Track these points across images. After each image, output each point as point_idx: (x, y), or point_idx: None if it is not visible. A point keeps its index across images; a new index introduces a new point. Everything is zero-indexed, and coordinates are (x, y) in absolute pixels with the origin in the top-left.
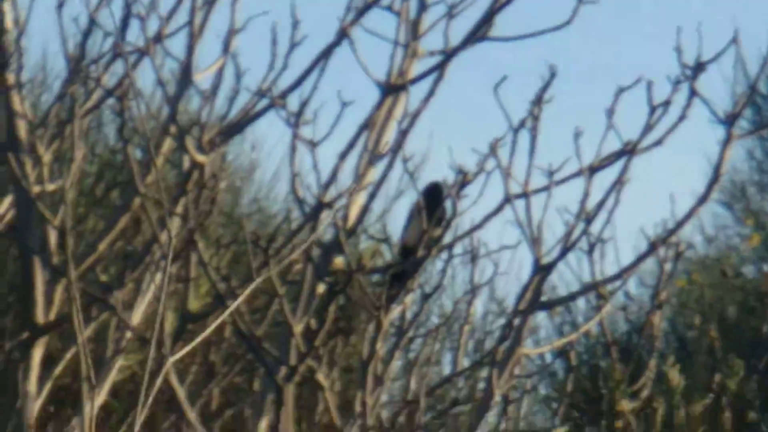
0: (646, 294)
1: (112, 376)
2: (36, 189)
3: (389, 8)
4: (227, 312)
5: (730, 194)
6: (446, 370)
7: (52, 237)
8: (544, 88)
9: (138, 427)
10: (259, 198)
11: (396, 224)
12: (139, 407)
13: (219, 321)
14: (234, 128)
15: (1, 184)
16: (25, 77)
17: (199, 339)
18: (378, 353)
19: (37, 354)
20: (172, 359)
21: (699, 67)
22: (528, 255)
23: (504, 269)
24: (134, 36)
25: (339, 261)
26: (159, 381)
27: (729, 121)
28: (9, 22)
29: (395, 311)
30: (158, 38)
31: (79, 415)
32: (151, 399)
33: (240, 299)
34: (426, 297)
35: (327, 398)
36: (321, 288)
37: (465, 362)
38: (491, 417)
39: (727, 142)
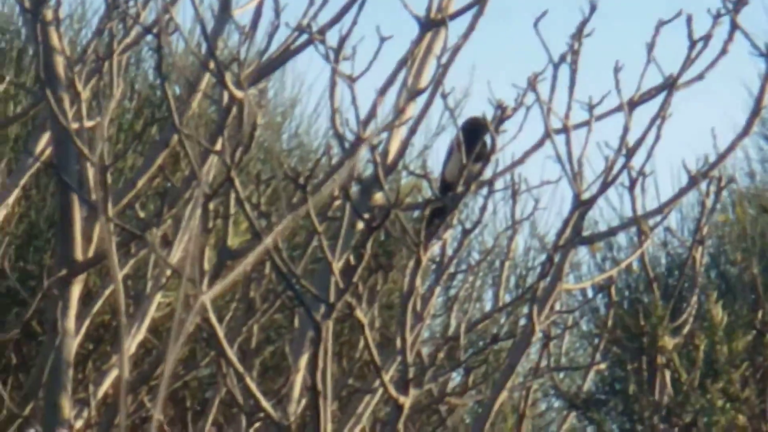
0: (688, 229)
1: (151, 313)
2: (74, 125)
3: None
4: (261, 246)
5: None
6: (487, 306)
7: (91, 174)
8: (584, 22)
9: (171, 362)
10: (299, 134)
11: (436, 160)
12: (171, 342)
13: (254, 255)
14: (273, 64)
15: (40, 121)
16: (63, 13)
17: (232, 275)
18: (418, 289)
19: (76, 291)
20: (205, 296)
21: (740, 1)
22: (568, 190)
23: (545, 204)
24: None
25: (378, 197)
26: (191, 318)
27: None
28: None
29: (435, 247)
30: None
31: (118, 352)
32: (187, 336)
33: (274, 233)
34: (466, 233)
35: (366, 335)
36: (360, 224)
37: (506, 298)
38: (532, 353)
39: (767, 75)
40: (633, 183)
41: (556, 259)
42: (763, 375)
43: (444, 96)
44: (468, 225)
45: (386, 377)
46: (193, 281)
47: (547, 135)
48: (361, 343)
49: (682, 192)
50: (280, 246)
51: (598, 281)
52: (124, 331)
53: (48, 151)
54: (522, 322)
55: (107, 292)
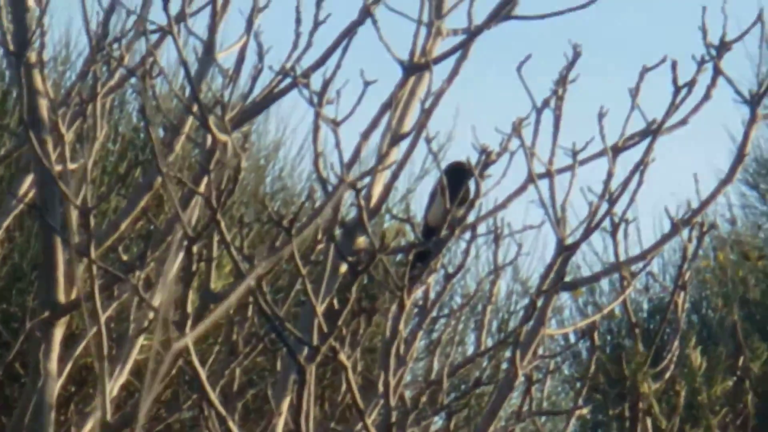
0: (669, 274)
1: (134, 356)
2: (58, 168)
3: None
4: (243, 286)
5: (756, 173)
6: (469, 350)
7: (74, 216)
8: (569, 67)
9: (147, 403)
10: (283, 177)
11: (419, 204)
12: (146, 385)
13: (236, 295)
14: (257, 107)
15: (24, 163)
16: (47, 56)
17: (213, 316)
18: (401, 333)
19: (58, 333)
20: (185, 338)
21: (723, 47)
22: (551, 235)
23: (527, 249)
24: (157, 14)
25: (362, 241)
26: (168, 360)
27: (753, 100)
28: (31, 0)
29: (418, 291)
30: (181, 16)
31: (100, 394)
32: (169, 378)
33: (255, 273)
34: (449, 277)
35: (349, 379)
36: (343, 268)
37: (488, 342)
38: (514, 397)
39: (751, 122)
40: (616, 228)
41: (539, 303)
42: (743, 421)
43: (428, 140)
44: (451, 269)
45: (369, 421)
46: (176, 324)
47: (531, 180)
48: (344, 387)
49: (665, 239)
50: (263, 288)
51: (580, 326)
52: (105, 373)
53: (31, 193)
54: (504, 366)
55: (90, 334)
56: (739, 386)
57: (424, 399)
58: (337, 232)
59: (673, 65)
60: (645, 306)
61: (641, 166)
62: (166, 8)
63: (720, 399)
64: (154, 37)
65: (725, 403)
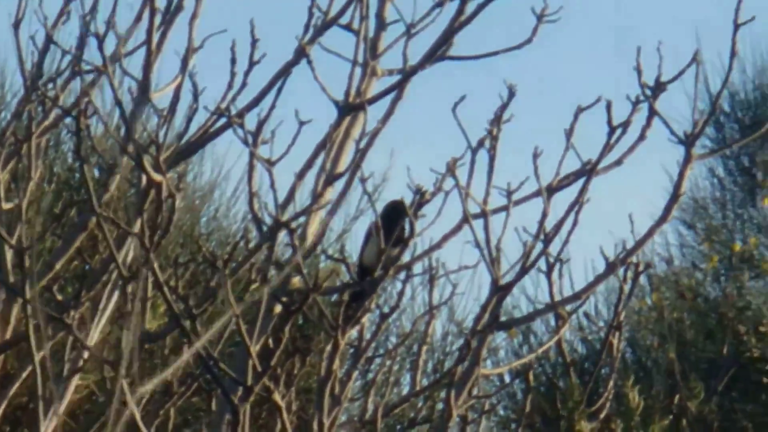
0: (604, 315)
1: (69, 396)
2: None
3: (348, 27)
4: (192, 349)
5: (692, 212)
6: (404, 390)
7: (9, 256)
8: (503, 107)
9: None
10: (218, 217)
11: (354, 244)
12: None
13: (188, 355)
14: (192, 147)
15: None
16: None
17: (180, 361)
18: (335, 373)
19: None
20: (153, 383)
21: (659, 87)
22: (486, 275)
23: (462, 289)
24: (92, 54)
25: (296, 281)
26: (134, 400)
27: (688, 141)
28: None
29: (353, 331)
30: (116, 57)
31: None
32: (104, 419)
33: (208, 334)
34: (384, 317)
35: (284, 419)
36: (278, 308)
37: (423, 382)
38: None
39: (686, 162)
40: (550, 268)
41: (474, 343)
42: None
43: (362, 180)
44: (386, 309)
45: None
46: (111, 364)
47: (465, 220)
48: (279, 427)
49: (600, 279)
50: (198, 329)
51: (515, 366)
52: (41, 413)
53: None
54: (439, 406)
55: (24, 374)
56: (675, 425)
57: None
58: (272, 272)
59: (608, 105)
60: (579, 346)
61: (576, 206)
62: (100, 48)
63: None
64: (89, 77)
65: None
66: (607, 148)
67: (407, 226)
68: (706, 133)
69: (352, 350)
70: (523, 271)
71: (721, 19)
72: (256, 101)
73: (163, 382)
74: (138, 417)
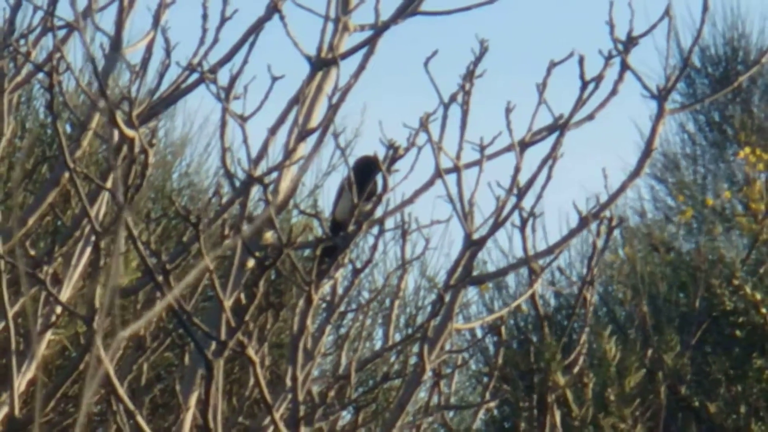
0: (577, 269)
1: (41, 351)
2: None
3: None
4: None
5: (663, 167)
6: (377, 345)
7: None
8: (475, 62)
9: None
10: (190, 173)
11: (327, 199)
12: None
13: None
14: (164, 103)
15: None
16: None
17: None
18: (308, 328)
19: None
20: (132, 327)
21: (631, 42)
22: (459, 230)
23: (435, 244)
24: (64, 10)
25: (269, 236)
26: (114, 346)
27: (661, 95)
28: None
29: (326, 286)
30: (88, 12)
31: (7, 389)
32: (76, 373)
33: (182, 284)
34: (357, 272)
35: (257, 373)
36: (251, 263)
37: (396, 337)
38: (422, 392)
39: (658, 116)
40: (524, 223)
41: (447, 298)
42: (655, 413)
43: (335, 135)
44: (359, 264)
45: (277, 415)
46: (84, 319)
47: (438, 175)
48: (252, 381)
49: (573, 233)
50: (171, 283)
51: (487, 321)
52: (14, 368)
53: None
54: (412, 361)
55: None
56: (650, 379)
57: (332, 394)
58: (245, 227)
59: (580, 60)
60: (552, 301)
61: (549, 160)
62: (73, 4)
63: (633, 390)
64: (61, 33)
65: (637, 395)
66: (580, 102)
67: (380, 181)
68: (677, 89)
69: (324, 305)
70: (496, 225)
71: None
72: (228, 57)
73: (136, 336)
74: (111, 371)
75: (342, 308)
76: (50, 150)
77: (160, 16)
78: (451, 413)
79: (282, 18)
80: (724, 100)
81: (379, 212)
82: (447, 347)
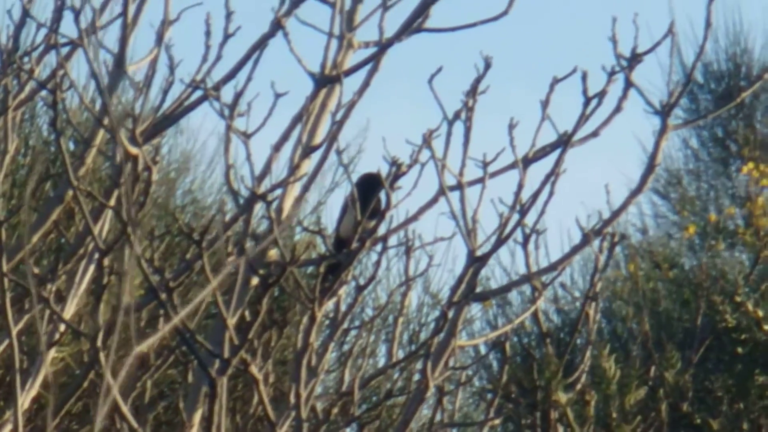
0: (579, 286)
1: (45, 369)
2: None
3: None
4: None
5: (666, 182)
6: (381, 362)
7: None
8: (479, 79)
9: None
10: (193, 190)
11: (330, 216)
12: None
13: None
14: (167, 120)
15: None
16: None
17: (155, 337)
18: (312, 345)
19: None
20: (146, 343)
21: (634, 58)
22: (462, 246)
23: (438, 261)
24: (68, 27)
25: (273, 253)
26: (129, 363)
27: (664, 111)
28: None
29: (329, 303)
30: (92, 30)
31: (11, 407)
32: (81, 391)
33: (189, 307)
34: (360, 289)
35: (261, 391)
36: (255, 280)
37: (400, 354)
38: (426, 409)
39: (662, 132)
40: (527, 239)
41: (450, 315)
42: (657, 431)
43: (338, 152)
44: (362, 281)
45: None
46: (88, 337)
47: (442, 192)
48: (256, 399)
49: (576, 249)
50: (174, 301)
51: (491, 338)
52: (18, 386)
53: None
54: (416, 377)
55: (1, 347)
56: (651, 396)
57: (335, 411)
58: (248, 244)
59: (584, 76)
60: (555, 317)
61: (552, 177)
62: (77, 21)
63: (633, 408)
64: (64, 50)
65: (638, 412)
66: (583, 118)
67: (383, 198)
68: (680, 104)
69: (328, 322)
70: (499, 242)
71: None
72: (232, 74)
73: (139, 353)
74: (115, 389)
75: (345, 325)
76: (54, 167)
77: (163, 34)
78: (455, 430)
79: (286, 35)
80: (727, 115)
81: (382, 229)
82: (450, 364)
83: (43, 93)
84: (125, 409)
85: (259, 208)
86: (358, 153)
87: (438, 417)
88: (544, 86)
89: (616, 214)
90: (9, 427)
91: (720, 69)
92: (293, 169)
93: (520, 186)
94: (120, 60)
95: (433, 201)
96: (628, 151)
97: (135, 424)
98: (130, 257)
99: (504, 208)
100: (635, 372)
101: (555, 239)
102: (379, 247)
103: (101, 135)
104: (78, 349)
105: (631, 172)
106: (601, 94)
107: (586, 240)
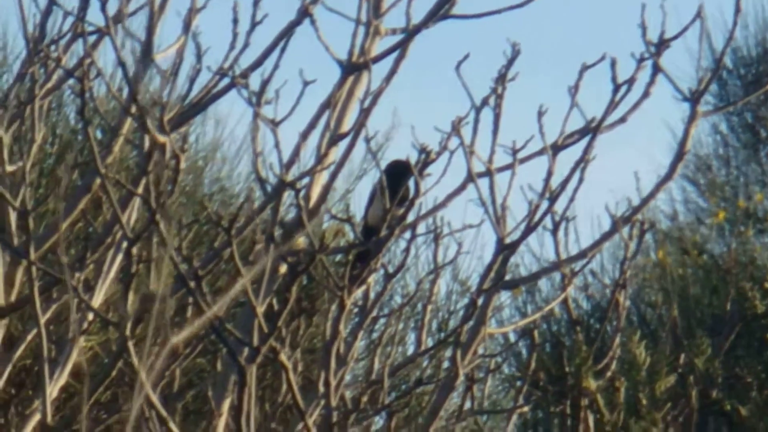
0: (608, 272)
1: (74, 358)
2: None
3: None
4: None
5: (695, 168)
6: (410, 349)
7: (13, 218)
8: (507, 65)
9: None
10: (221, 178)
11: (359, 204)
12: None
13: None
14: (195, 108)
15: None
16: None
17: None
18: (341, 333)
19: None
20: (181, 335)
21: (663, 44)
22: (491, 234)
23: (467, 248)
24: (95, 16)
25: (301, 241)
26: (162, 360)
27: (693, 98)
28: None
29: (358, 291)
30: (118, 18)
31: (40, 396)
32: (109, 380)
33: (221, 302)
34: (389, 277)
35: (290, 379)
36: (283, 268)
37: (429, 342)
38: (455, 397)
39: (691, 119)
40: (557, 227)
41: (480, 302)
42: (686, 417)
43: (367, 140)
44: (391, 269)
45: (310, 421)
46: (116, 325)
47: (470, 178)
48: (285, 387)
49: (606, 237)
50: (203, 288)
51: (520, 325)
52: (46, 375)
53: None
54: (445, 365)
55: (29, 336)
56: (681, 382)
57: (365, 399)
58: (277, 232)
59: (613, 63)
60: (584, 304)
61: (582, 164)
62: (103, 9)
63: (663, 395)
64: (91, 39)
65: (668, 399)
66: (612, 105)
67: (412, 186)
68: (709, 90)
69: (357, 310)
70: (529, 229)
71: None
72: (259, 61)
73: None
74: (144, 378)
75: (374, 313)
76: (81, 156)
77: (190, 21)
78: (484, 418)
79: (313, 22)
80: (757, 101)
81: (411, 217)
82: (480, 351)
83: (71, 81)
84: (154, 398)
85: (287, 195)
86: (386, 140)
87: (467, 404)
88: (573, 73)
89: (645, 201)
90: (37, 416)
91: (750, 54)
92: (321, 157)
93: (550, 173)
94: (147, 48)
95: (462, 188)
96: (657, 138)
97: (164, 413)
98: (159, 245)
99: (533, 195)
100: (665, 359)
101: (584, 226)
102: (407, 235)
103: (128, 123)
104: (106, 338)
105: (660, 158)
106: (630, 81)
107: (615, 227)
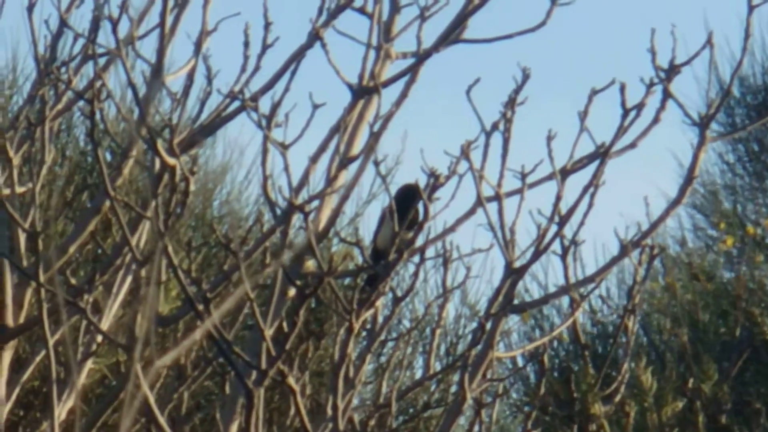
0: (615, 297)
1: (82, 380)
2: (5, 191)
3: (361, 10)
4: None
5: (702, 197)
6: (418, 373)
7: (22, 240)
8: (517, 90)
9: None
10: (231, 200)
11: (368, 227)
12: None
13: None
14: (205, 130)
15: None
16: None
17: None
18: (349, 357)
19: (6, 357)
20: (168, 356)
21: (673, 70)
22: (500, 258)
23: (476, 272)
24: (105, 38)
25: (310, 264)
26: (150, 376)
27: (702, 123)
28: None
29: (367, 315)
30: (129, 40)
31: (48, 418)
32: (117, 402)
33: (222, 308)
34: (398, 300)
35: (297, 402)
36: (292, 291)
37: (437, 366)
38: (463, 421)
39: (700, 144)
40: (565, 251)
41: (488, 326)
42: None
43: (376, 163)
44: (399, 292)
45: None
46: (125, 348)
47: (479, 203)
48: (293, 410)
49: (614, 261)
50: (212, 312)
51: (528, 349)
52: (54, 397)
53: None
54: (453, 389)
55: (38, 358)
56: (689, 408)
57: (372, 422)
58: (286, 255)
59: (622, 88)
60: (592, 328)
61: (590, 188)
62: (114, 31)
63: (670, 420)
64: (102, 61)
65: (675, 425)
66: (621, 130)
67: (421, 209)
68: (716, 119)
69: (365, 333)
70: (537, 254)
71: (731, 0)
72: (269, 84)
73: (176, 364)
74: (151, 400)
75: (383, 337)
76: (91, 178)
77: (201, 44)
78: None
79: (324, 46)
80: (763, 130)
81: (420, 240)
82: (488, 376)
83: (81, 103)
84: (162, 420)
85: (296, 219)
86: (395, 164)
87: (475, 429)
88: (582, 97)
89: (654, 225)
90: None
91: (756, 83)
92: (331, 180)
93: (558, 197)
94: (157, 70)
95: (471, 212)
96: (661, 165)
97: None
98: (163, 268)
99: (542, 219)
100: (672, 384)
101: (590, 251)
102: (416, 259)
103: (138, 145)
104: (114, 361)
105: (665, 185)
106: (640, 106)
107: (624, 251)
